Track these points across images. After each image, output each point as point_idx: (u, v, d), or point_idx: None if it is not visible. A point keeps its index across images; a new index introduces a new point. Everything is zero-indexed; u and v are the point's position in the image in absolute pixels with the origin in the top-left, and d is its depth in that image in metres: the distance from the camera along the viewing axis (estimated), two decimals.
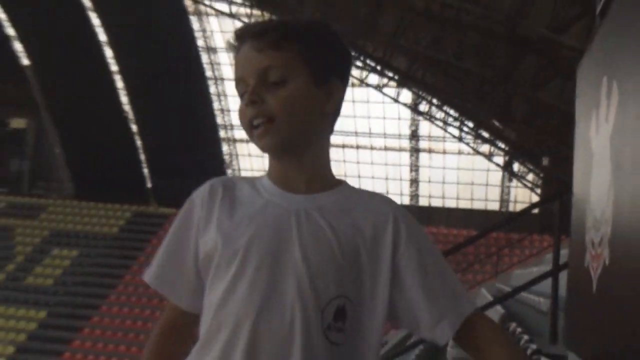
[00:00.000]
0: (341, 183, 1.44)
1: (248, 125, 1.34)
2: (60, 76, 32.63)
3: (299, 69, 1.34)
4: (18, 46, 33.48)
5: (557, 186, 20.40)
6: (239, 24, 30.39)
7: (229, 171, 35.37)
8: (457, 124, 28.59)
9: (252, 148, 35.73)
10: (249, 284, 1.30)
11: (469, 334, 1.37)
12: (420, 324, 1.37)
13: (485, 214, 31.61)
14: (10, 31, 32.97)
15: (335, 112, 1.45)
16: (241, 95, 1.36)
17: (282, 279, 1.30)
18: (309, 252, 1.31)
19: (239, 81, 1.37)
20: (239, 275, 1.30)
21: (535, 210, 19.01)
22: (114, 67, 33.46)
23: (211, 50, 32.99)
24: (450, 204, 33.91)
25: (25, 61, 33.78)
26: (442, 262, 1.43)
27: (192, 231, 1.40)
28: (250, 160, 35.46)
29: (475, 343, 1.38)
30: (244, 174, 35.54)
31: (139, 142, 35.28)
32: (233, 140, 35.40)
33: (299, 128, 1.35)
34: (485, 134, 28.17)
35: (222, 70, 33.63)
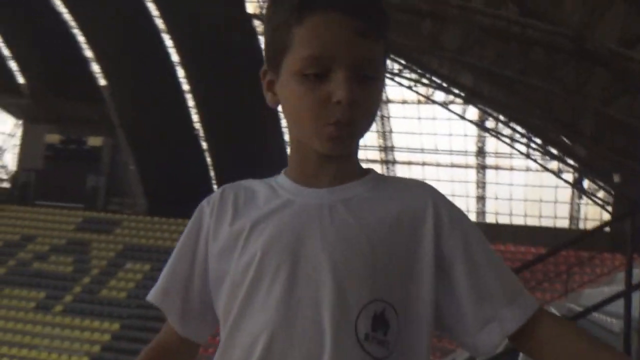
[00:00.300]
0: (369, 172, 1.22)
1: (324, 121, 1.10)
2: (134, 96, 33.45)
3: (382, 66, 1.14)
4: (95, 67, 34.46)
5: (629, 204, 19.82)
6: None
7: None
8: (524, 140, 28.10)
9: None
10: (265, 292, 1.09)
11: (533, 336, 1.12)
12: (461, 325, 1.14)
13: (553, 231, 30.95)
14: (88, 53, 33.99)
15: None
16: (307, 75, 1.09)
17: (304, 284, 1.08)
18: (333, 251, 1.09)
19: (317, 60, 1.08)
20: (256, 282, 1.10)
21: (607, 229, 18.51)
22: (185, 87, 34.13)
23: None
24: (518, 221, 33.35)
25: (102, 82, 34.75)
26: (493, 252, 1.18)
27: (200, 243, 1.21)
28: None
29: (544, 346, 1.12)
30: None
31: (209, 159, 35.85)
32: None
33: (367, 131, 1.17)
34: (554, 151, 27.58)
35: None
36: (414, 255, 1.13)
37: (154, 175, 35.41)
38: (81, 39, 33.49)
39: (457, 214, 1.18)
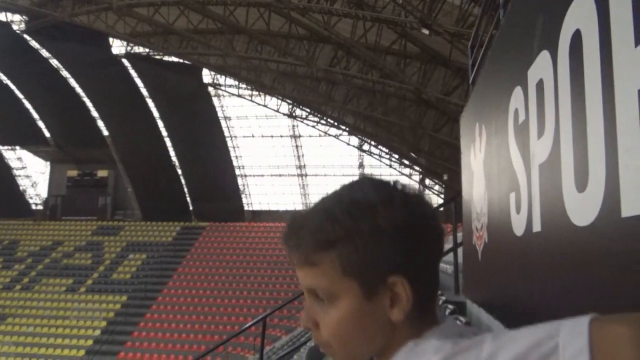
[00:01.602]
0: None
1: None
2: (128, 141, 32.34)
3: (343, 283, 0.67)
4: (100, 123, 33.05)
5: (453, 192, 20.56)
6: (245, 101, 30.88)
7: (243, 196, 35.08)
8: (387, 156, 28.79)
9: (259, 180, 35.70)
10: None
11: None
12: None
13: None
14: (95, 114, 32.58)
15: (416, 305, 0.68)
16: None
17: None
18: None
19: None
20: None
21: (441, 208, 19.06)
22: (164, 133, 33.18)
23: (227, 118, 33.00)
24: None
25: (105, 133, 33.34)
26: None
27: None
28: (257, 188, 35.30)
29: None
30: (253, 198, 35.36)
31: (183, 181, 34.87)
32: (245, 176, 35.21)
33: (355, 351, 0.70)
34: (406, 162, 28.38)
35: (235, 131, 33.59)
36: None
37: (145, 194, 34.29)
38: (89, 104, 32.02)
39: None
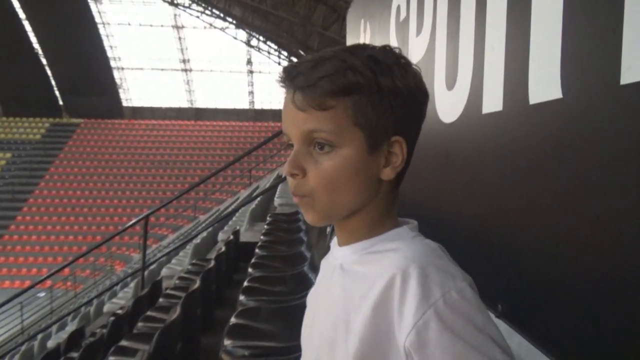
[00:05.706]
0: (375, 234, 0.70)
1: (291, 191, 0.70)
2: None
3: (350, 132, 0.66)
4: None
5: None
6: None
7: (121, 91, 32.67)
8: (276, 53, 28.18)
9: (138, 74, 33.20)
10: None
11: None
12: None
13: None
14: None
15: (402, 171, 0.71)
16: (286, 145, 0.70)
17: (308, 347, 0.75)
18: (322, 317, 0.72)
19: (284, 133, 0.70)
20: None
21: None
22: (22, 15, 28.95)
23: (97, 1, 29.54)
24: (277, 106, 33.92)
25: None
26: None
27: None
28: (136, 83, 32.99)
29: None
30: (133, 94, 33.09)
31: (49, 72, 31.33)
32: (122, 69, 32.54)
33: (341, 203, 0.68)
34: (294, 59, 28.08)
35: (108, 17, 30.36)
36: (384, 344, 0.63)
37: (4, 86, 30.45)
38: None
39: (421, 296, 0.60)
